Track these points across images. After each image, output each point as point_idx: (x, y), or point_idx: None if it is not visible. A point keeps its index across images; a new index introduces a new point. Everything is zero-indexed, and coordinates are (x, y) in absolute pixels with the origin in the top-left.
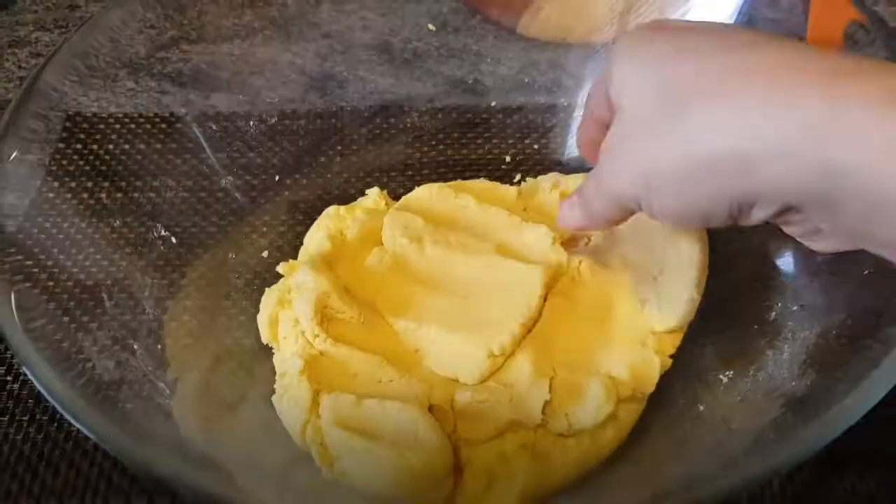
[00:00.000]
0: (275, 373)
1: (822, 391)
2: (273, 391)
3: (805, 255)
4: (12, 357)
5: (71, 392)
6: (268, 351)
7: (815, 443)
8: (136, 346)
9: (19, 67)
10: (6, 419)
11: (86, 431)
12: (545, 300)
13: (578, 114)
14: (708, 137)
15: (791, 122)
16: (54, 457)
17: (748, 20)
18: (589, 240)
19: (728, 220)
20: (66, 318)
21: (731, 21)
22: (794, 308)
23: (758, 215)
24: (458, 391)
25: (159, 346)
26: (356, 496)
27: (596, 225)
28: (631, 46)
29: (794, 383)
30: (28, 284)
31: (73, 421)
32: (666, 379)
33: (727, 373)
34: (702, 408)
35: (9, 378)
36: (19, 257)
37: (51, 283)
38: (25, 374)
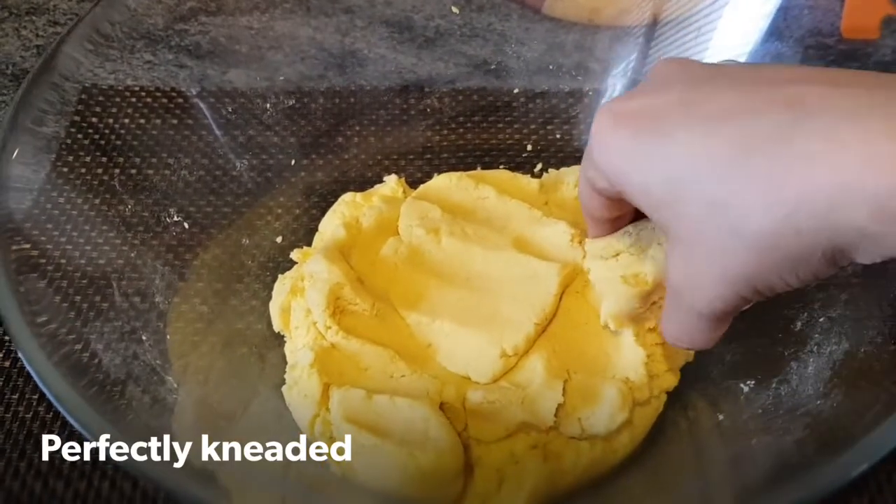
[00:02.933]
0: (286, 361)
1: (848, 415)
2: (283, 381)
3: None
4: (4, 335)
5: (73, 391)
6: (280, 337)
7: (841, 477)
8: (144, 337)
9: (37, 35)
10: None
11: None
12: (561, 299)
13: (604, 101)
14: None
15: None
16: (42, 440)
17: (785, 9)
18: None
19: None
20: (77, 299)
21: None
22: (821, 319)
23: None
24: (470, 389)
25: (168, 336)
26: (364, 492)
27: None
28: (630, 150)
29: (819, 402)
30: (41, 262)
31: (76, 424)
32: (684, 383)
33: (748, 382)
34: (721, 417)
35: None
36: (35, 232)
37: (63, 262)
38: (16, 353)
